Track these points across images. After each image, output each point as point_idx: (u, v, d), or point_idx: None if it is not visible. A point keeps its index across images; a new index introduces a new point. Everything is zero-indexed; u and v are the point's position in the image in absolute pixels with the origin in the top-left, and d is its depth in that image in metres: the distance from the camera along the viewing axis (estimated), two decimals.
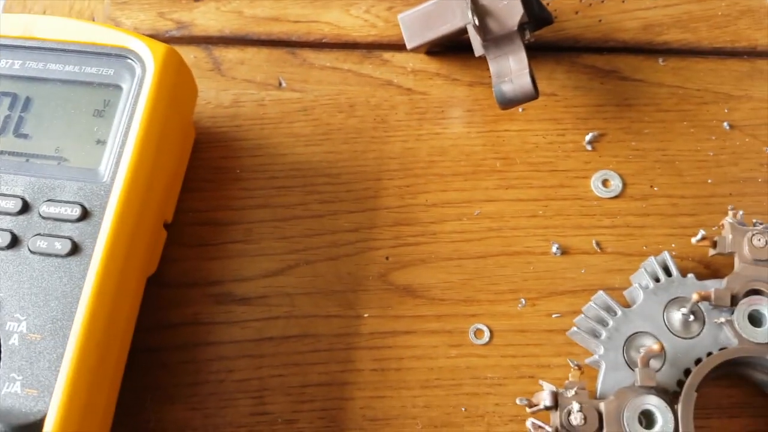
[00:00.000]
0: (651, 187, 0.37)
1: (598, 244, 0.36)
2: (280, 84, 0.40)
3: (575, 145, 0.38)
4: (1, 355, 0.26)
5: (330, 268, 0.35)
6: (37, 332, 0.26)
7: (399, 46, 0.41)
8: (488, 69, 0.40)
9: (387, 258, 0.36)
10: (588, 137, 0.38)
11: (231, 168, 0.38)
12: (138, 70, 0.31)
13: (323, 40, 0.41)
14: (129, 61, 0.31)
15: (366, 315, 0.34)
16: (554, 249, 0.35)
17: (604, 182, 0.37)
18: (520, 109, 0.39)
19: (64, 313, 0.26)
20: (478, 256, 0.35)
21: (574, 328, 0.32)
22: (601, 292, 0.32)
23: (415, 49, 0.39)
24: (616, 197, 0.37)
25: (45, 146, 0.30)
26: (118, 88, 0.31)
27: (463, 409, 0.32)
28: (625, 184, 0.37)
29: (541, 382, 0.30)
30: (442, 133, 0.38)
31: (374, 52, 0.41)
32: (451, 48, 0.40)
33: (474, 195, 0.37)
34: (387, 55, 0.41)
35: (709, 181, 0.37)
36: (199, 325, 0.34)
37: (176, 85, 0.32)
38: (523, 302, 0.34)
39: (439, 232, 0.36)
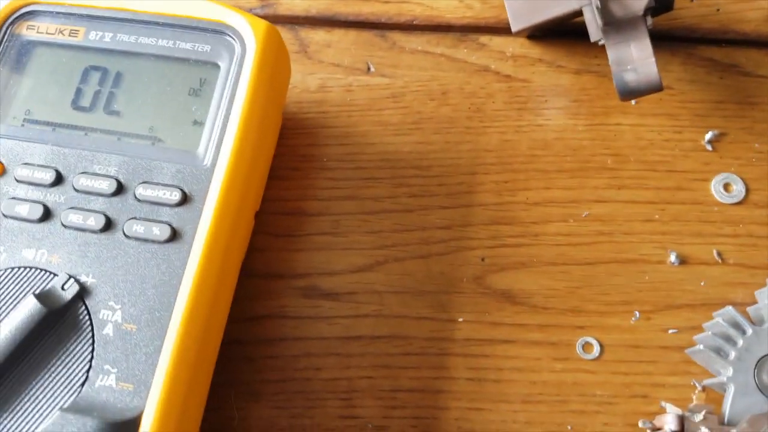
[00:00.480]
0: None
1: (719, 254, 0.32)
2: (369, 69, 0.38)
3: (693, 144, 0.35)
4: (95, 345, 0.24)
5: (421, 267, 0.33)
6: (132, 322, 0.24)
7: (497, 29, 0.38)
8: (597, 56, 0.37)
9: (483, 259, 0.33)
10: (708, 136, 0.35)
11: (317, 156, 0.36)
12: (237, 48, 0.29)
13: (414, 22, 0.39)
14: (227, 37, 0.29)
15: (460, 319, 0.32)
16: (672, 258, 0.32)
17: (726, 186, 0.34)
18: (633, 102, 0.36)
19: (161, 303, 0.24)
20: (586, 262, 0.32)
21: (699, 346, 0.29)
22: (729, 308, 0.29)
23: (519, 33, 0.36)
24: (738, 203, 0.33)
25: (138, 125, 0.28)
26: (215, 66, 0.29)
27: (569, 427, 0.30)
28: (748, 189, 0.34)
29: (664, 404, 0.27)
30: (545, 125, 0.36)
31: (470, 35, 0.38)
32: (555, 32, 0.37)
33: (582, 194, 0.34)
34: (484, 38, 0.38)
35: None
36: (286, 319, 0.32)
37: (276, 66, 0.30)
38: (637, 315, 0.31)
39: (542, 233, 0.33)
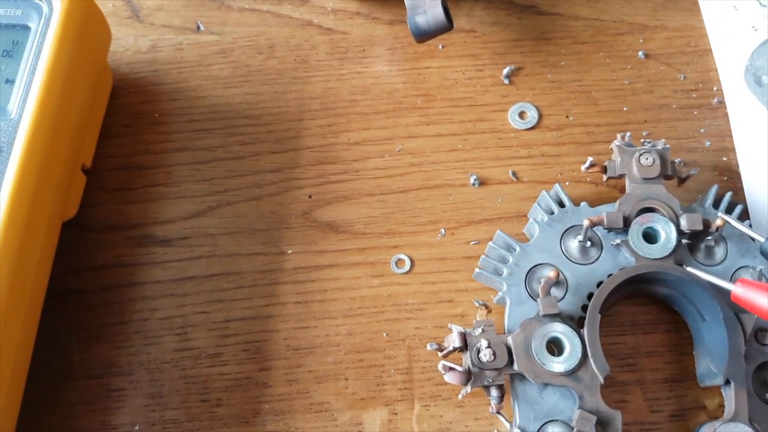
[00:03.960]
0: (566, 117, 0.38)
1: (514, 173, 0.36)
2: (198, 27, 0.40)
3: (493, 79, 0.39)
4: None
5: (252, 208, 0.36)
6: None
7: None
8: None
9: (310, 196, 0.36)
10: (505, 71, 0.38)
11: (149, 113, 0.37)
12: (45, 10, 0.30)
13: None
14: (36, 1, 0.31)
15: (290, 251, 0.35)
16: (472, 180, 0.36)
17: (521, 114, 0.38)
18: (440, 46, 0.39)
19: None
20: (399, 190, 0.36)
21: (477, 270, 0.32)
22: (498, 232, 0.33)
23: None
24: (532, 128, 0.37)
25: None
26: (26, 28, 0.31)
27: (384, 334, 0.33)
28: (541, 116, 0.38)
29: (450, 325, 0.30)
30: (364, 72, 0.39)
31: None
32: None
33: (396, 132, 0.37)
34: None
35: (625, 108, 0.38)
36: (122, 267, 0.34)
37: (84, 25, 0.31)
38: (443, 232, 0.35)
39: (362, 169, 0.36)
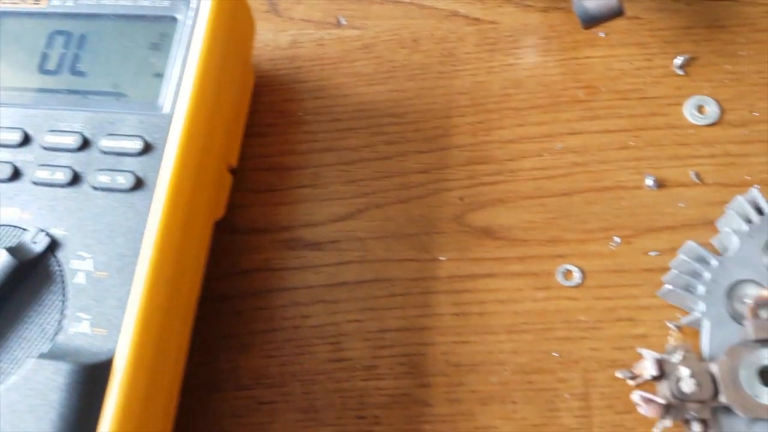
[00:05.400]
0: (751, 112, 0.34)
1: (696, 175, 0.32)
2: (339, 22, 0.38)
3: (664, 70, 0.35)
4: (68, 294, 0.24)
5: (401, 211, 0.33)
6: (103, 270, 0.25)
7: None
8: None
9: (461, 199, 0.33)
10: (678, 61, 0.34)
11: (293, 111, 0.36)
12: (194, 1, 0.29)
13: None
14: None
15: (443, 258, 0.32)
16: (649, 182, 0.32)
17: (699, 108, 0.34)
18: (602, 34, 0.36)
19: (130, 249, 0.25)
20: (562, 193, 0.33)
21: (667, 287, 0.29)
22: (690, 242, 0.29)
23: None
24: (713, 124, 0.33)
25: (102, 83, 0.29)
26: (174, 19, 0.29)
27: (555, 354, 0.30)
28: (722, 110, 0.34)
29: (640, 350, 0.27)
30: (516, 64, 0.36)
31: None
32: None
33: (555, 128, 0.34)
34: None
35: None
36: (271, 271, 0.32)
37: (233, 17, 0.30)
38: (617, 241, 0.31)
39: (518, 169, 0.33)
